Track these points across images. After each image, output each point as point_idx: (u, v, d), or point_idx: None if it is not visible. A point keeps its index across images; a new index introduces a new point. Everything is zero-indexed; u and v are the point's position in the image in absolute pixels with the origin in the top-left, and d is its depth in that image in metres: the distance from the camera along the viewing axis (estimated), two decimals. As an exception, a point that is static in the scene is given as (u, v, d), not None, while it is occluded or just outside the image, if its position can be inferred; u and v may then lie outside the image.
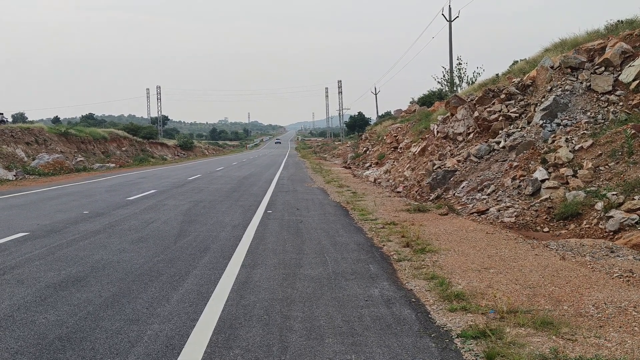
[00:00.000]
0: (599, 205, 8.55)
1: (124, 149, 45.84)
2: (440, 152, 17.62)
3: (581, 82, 13.10)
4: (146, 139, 54.14)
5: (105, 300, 5.18)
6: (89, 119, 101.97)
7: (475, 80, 32.20)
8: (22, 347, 4.01)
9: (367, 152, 36.77)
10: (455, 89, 34.18)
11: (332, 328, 4.39)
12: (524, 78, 15.48)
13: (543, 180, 10.36)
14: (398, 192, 16.67)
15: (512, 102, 15.02)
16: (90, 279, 5.99)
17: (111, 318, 4.65)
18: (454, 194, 13.07)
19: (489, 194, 11.56)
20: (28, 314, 4.78)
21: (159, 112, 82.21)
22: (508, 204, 10.34)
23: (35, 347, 4.02)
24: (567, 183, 10.01)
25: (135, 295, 5.35)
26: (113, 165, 36.74)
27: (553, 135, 12.26)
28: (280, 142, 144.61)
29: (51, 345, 4.06)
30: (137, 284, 5.78)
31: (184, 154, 63.33)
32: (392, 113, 59.20)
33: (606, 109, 12.10)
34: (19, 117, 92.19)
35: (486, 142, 14.50)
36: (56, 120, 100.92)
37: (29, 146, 31.15)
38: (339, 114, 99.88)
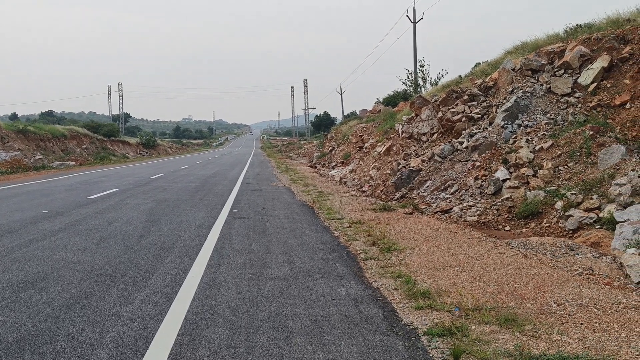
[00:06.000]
0: (559, 204, 8.76)
1: (84, 146, 44.80)
2: (405, 152, 17.79)
3: (541, 84, 13.40)
4: (107, 136, 53.03)
5: (66, 301, 5.04)
6: (49, 116, 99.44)
7: (439, 81, 32.61)
8: (-23, 351, 3.86)
9: (333, 151, 36.85)
10: (419, 89, 34.56)
11: (300, 327, 4.37)
12: (486, 80, 15.76)
13: (504, 180, 10.56)
14: (363, 191, 16.75)
15: (475, 103, 15.27)
16: (50, 279, 5.82)
17: (72, 320, 4.52)
18: (418, 194, 13.21)
19: (452, 194, 11.72)
20: (-16, 316, 4.60)
21: (121, 110, 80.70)
22: (471, 203, 10.50)
23: (-9, 351, 3.87)
24: (528, 183, 10.23)
25: (97, 296, 5.22)
26: (73, 163, 35.86)
27: (514, 136, 12.51)
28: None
29: (9, 348, 3.92)
30: (99, 284, 5.64)
31: (146, 153, 62.27)
32: (358, 113, 59.52)
33: (565, 110, 12.41)
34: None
35: (450, 142, 14.70)
36: (14, 117, 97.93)
37: (-16, 143, 30.15)
38: (305, 113, 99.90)
